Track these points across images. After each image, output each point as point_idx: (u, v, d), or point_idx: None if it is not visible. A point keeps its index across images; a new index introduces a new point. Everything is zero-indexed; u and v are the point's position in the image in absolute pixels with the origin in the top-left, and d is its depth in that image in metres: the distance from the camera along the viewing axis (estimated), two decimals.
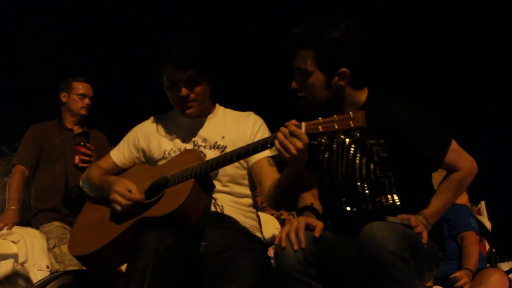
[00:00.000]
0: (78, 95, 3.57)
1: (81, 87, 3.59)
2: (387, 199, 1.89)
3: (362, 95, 1.94)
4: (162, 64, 2.07)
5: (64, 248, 3.13)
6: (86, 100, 3.58)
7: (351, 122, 1.56)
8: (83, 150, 3.35)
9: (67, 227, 3.26)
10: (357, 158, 1.92)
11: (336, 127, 1.58)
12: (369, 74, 1.92)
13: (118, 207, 1.91)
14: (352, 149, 1.94)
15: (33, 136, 3.56)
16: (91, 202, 2.20)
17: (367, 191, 1.91)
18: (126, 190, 1.92)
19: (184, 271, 1.77)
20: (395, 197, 1.89)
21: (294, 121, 1.68)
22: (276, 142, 1.68)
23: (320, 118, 1.63)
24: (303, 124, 1.66)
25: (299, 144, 1.64)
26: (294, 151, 1.65)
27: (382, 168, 1.88)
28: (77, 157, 3.34)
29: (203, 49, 2.10)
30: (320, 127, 1.61)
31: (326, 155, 2.02)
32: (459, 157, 1.91)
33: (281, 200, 1.97)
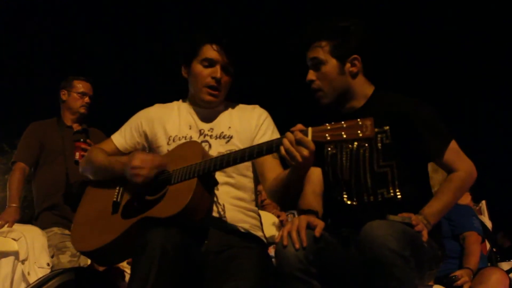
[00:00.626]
0: (78, 93, 3.59)
1: (81, 86, 3.61)
2: (388, 192, 1.93)
3: (370, 89, 2.04)
4: (208, 40, 2.09)
5: (63, 257, 3.16)
6: (86, 99, 3.61)
7: (359, 131, 1.52)
8: (83, 146, 3.35)
9: (66, 231, 3.27)
10: (361, 148, 1.96)
11: (344, 136, 1.54)
12: (377, 63, 2.04)
13: (140, 178, 1.89)
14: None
15: (33, 133, 3.57)
16: (91, 191, 2.17)
17: (369, 182, 1.94)
18: (146, 158, 1.92)
19: (186, 270, 1.77)
20: (397, 190, 1.92)
21: (300, 126, 1.65)
22: (282, 149, 1.65)
23: (327, 125, 1.59)
24: (310, 130, 1.62)
25: (306, 153, 1.61)
26: (300, 159, 1.62)
27: (385, 157, 1.92)
28: (77, 153, 3.33)
29: (241, 42, 2.16)
30: (327, 134, 1.57)
31: (329, 149, 2.05)
32: (458, 157, 1.94)
33: (282, 198, 1.97)
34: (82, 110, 3.60)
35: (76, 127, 3.61)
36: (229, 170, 2.03)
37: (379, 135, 1.93)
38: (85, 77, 3.71)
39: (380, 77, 2.10)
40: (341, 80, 1.98)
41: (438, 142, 1.92)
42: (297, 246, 1.65)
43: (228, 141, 2.08)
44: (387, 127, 1.93)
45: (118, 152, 2.21)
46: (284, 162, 1.95)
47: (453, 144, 1.93)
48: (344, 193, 2.00)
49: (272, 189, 1.97)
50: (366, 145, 1.95)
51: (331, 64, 1.97)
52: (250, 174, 2.13)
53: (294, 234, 1.68)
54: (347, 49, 1.96)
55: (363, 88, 2.03)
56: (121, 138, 2.23)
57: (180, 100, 2.28)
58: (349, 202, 1.98)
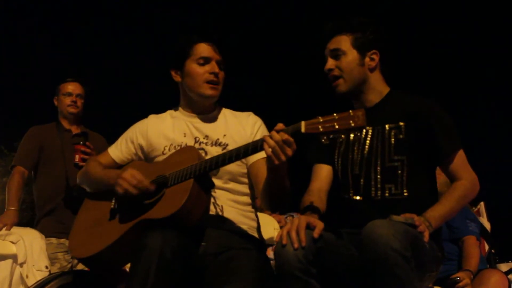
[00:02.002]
0: (64, 95, 3.60)
1: (67, 86, 3.62)
2: (396, 187, 1.96)
3: (386, 87, 2.11)
4: (200, 39, 2.14)
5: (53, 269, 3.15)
6: (72, 98, 3.58)
7: (351, 121, 1.54)
8: (83, 149, 3.35)
9: (62, 240, 3.29)
10: (374, 143, 2.00)
11: (337, 126, 1.56)
12: (393, 61, 2.15)
13: (121, 190, 1.89)
14: (369, 136, 2.02)
15: (32, 137, 3.58)
16: (90, 199, 2.18)
17: (379, 176, 1.98)
18: (133, 178, 1.90)
19: (184, 273, 1.76)
20: (404, 188, 1.95)
21: (281, 125, 1.68)
22: (266, 147, 1.67)
23: (319, 117, 1.61)
24: (303, 123, 1.63)
25: (290, 152, 1.65)
26: (284, 158, 1.65)
27: (397, 151, 1.97)
28: (77, 156, 3.34)
29: (230, 39, 2.20)
30: (320, 126, 1.59)
31: (342, 148, 2.10)
32: (464, 166, 1.99)
33: (271, 203, 1.98)
34: (71, 110, 3.58)
35: (75, 130, 3.61)
36: (225, 177, 2.05)
37: (393, 131, 1.99)
38: (73, 77, 3.70)
39: (394, 77, 2.16)
40: (360, 71, 2.05)
41: (450, 142, 1.98)
42: (296, 245, 1.66)
43: (224, 148, 2.09)
44: (402, 123, 1.99)
45: (114, 164, 2.22)
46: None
47: (462, 153, 1.99)
48: (351, 189, 2.02)
49: (262, 196, 1.99)
50: (379, 141, 2.00)
51: (352, 55, 2.05)
52: (246, 180, 2.14)
53: (293, 234, 1.69)
54: (367, 43, 2.06)
55: (379, 84, 2.10)
56: (117, 150, 2.24)
57: (173, 109, 2.29)
58: (355, 198, 2.00)
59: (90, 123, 3.78)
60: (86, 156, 3.33)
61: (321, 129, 1.59)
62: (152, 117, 2.29)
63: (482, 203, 4.27)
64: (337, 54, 2.06)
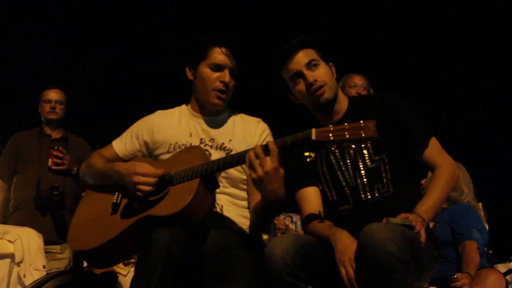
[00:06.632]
0: (43, 102, 3.72)
1: (46, 94, 3.73)
2: (383, 185, 1.96)
3: (345, 97, 2.14)
4: (217, 42, 2.12)
5: None
6: (51, 104, 3.69)
7: (362, 132, 1.56)
8: (55, 153, 3.50)
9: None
10: (354, 149, 2.00)
11: (347, 136, 1.58)
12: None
13: (146, 188, 1.88)
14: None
15: (10, 146, 3.72)
16: (91, 192, 2.17)
17: (365, 179, 1.98)
18: (147, 169, 1.90)
19: (188, 271, 1.76)
20: (390, 184, 1.96)
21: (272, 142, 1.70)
22: (247, 159, 1.70)
23: (331, 126, 1.63)
24: (313, 130, 1.64)
25: (267, 167, 1.67)
26: (260, 172, 1.67)
27: (376, 151, 1.98)
28: (50, 160, 3.50)
29: (248, 46, 2.20)
30: (330, 135, 1.61)
31: (324, 167, 2.08)
32: (440, 152, 2.00)
33: (259, 225, 2.01)
34: (50, 116, 3.70)
35: (55, 135, 3.72)
36: (224, 181, 2.05)
37: None
38: (54, 84, 3.81)
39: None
40: (334, 80, 2.09)
41: (422, 129, 1.99)
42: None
43: (228, 153, 2.08)
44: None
45: (118, 159, 2.20)
46: None
47: (435, 139, 2.00)
48: (339, 201, 2.02)
49: (251, 213, 2.02)
50: (354, 146, 1.99)
51: (324, 66, 2.07)
52: (245, 187, 2.14)
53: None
54: (326, 55, 2.09)
55: (342, 94, 2.13)
56: (121, 145, 2.23)
57: (183, 106, 2.28)
58: (345, 207, 2.00)
59: (77, 128, 3.88)
60: (58, 160, 3.47)
61: (332, 138, 1.60)
62: (159, 113, 2.28)
63: (480, 204, 4.28)
64: (314, 64, 2.05)
